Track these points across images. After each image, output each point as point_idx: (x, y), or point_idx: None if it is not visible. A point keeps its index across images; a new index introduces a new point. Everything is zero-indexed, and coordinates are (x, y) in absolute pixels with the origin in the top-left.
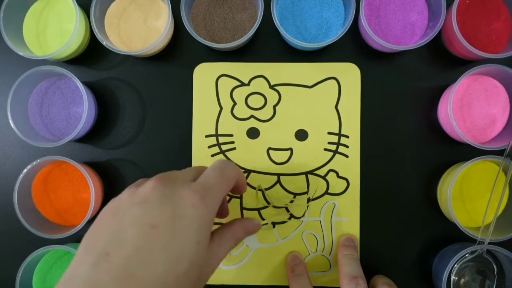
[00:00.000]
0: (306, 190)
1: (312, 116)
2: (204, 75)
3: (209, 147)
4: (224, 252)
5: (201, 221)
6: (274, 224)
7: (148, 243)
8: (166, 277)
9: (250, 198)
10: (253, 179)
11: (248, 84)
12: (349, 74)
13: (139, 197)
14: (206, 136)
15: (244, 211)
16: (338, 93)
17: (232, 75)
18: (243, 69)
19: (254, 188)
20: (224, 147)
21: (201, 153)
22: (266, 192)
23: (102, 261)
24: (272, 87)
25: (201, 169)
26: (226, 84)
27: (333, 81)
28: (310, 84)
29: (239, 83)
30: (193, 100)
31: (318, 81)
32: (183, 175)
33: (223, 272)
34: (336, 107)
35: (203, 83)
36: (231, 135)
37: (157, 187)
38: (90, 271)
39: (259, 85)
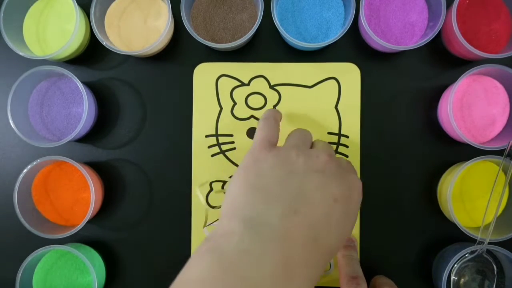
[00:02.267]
0: None
1: (312, 116)
2: (204, 75)
3: (209, 147)
4: None
5: (359, 208)
6: None
7: (331, 214)
8: (334, 249)
9: None
10: None
11: (248, 84)
12: (349, 74)
13: (316, 166)
14: (206, 136)
15: None
16: (338, 93)
17: (232, 75)
18: (243, 69)
19: None
20: (224, 147)
21: (201, 153)
22: None
23: (292, 216)
24: (272, 87)
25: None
26: (226, 84)
27: (333, 81)
28: (310, 84)
29: (239, 83)
30: (193, 100)
31: (318, 81)
32: (344, 161)
33: None
34: (336, 107)
35: (203, 83)
36: (231, 135)
37: (331, 162)
38: (280, 221)
39: (259, 85)
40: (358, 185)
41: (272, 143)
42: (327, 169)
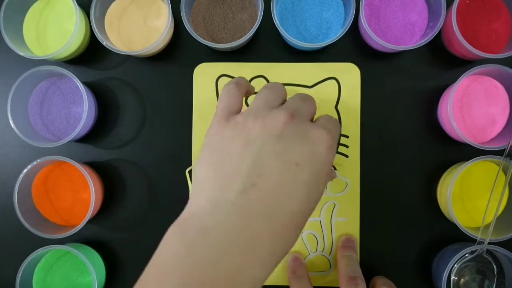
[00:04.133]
0: None
1: None
2: (204, 75)
3: None
4: None
5: (330, 163)
6: None
7: (293, 179)
8: (305, 211)
9: None
10: None
11: None
12: (349, 74)
13: (273, 130)
14: None
15: None
16: (338, 93)
17: (232, 75)
18: (243, 69)
19: None
20: None
21: None
22: None
23: (250, 190)
24: None
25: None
26: None
27: (333, 81)
28: (310, 84)
29: None
30: (193, 101)
31: (318, 81)
32: (304, 108)
33: None
34: (336, 107)
35: (203, 83)
36: None
37: (290, 122)
38: (238, 197)
39: (259, 85)
40: (324, 139)
41: (232, 113)
42: (286, 131)
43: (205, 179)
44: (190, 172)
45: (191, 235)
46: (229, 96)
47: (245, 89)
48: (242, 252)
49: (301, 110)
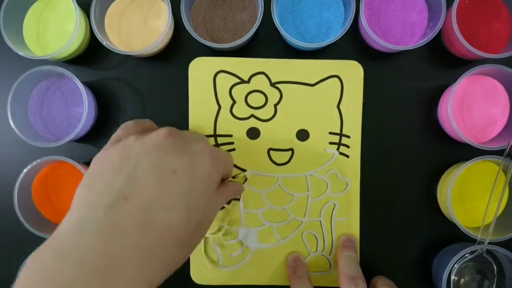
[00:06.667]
0: (306, 190)
1: (313, 116)
2: (201, 70)
3: None
4: (218, 209)
5: (213, 176)
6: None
7: (170, 188)
8: (188, 221)
9: (252, 199)
10: (253, 180)
11: (248, 82)
12: (352, 72)
13: (152, 144)
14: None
15: (245, 213)
16: (341, 92)
17: (231, 71)
18: (243, 65)
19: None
20: (223, 148)
21: None
22: (267, 193)
23: (121, 205)
24: (273, 85)
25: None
26: (224, 81)
27: (336, 79)
28: (312, 82)
29: (238, 80)
30: (189, 98)
31: (320, 79)
32: (191, 133)
33: (224, 273)
34: (338, 106)
35: (200, 79)
36: (230, 136)
37: (171, 136)
38: (107, 213)
39: (259, 82)
40: (205, 151)
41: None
42: (165, 144)
43: (76, 201)
44: None
45: (48, 260)
46: (123, 128)
47: (142, 126)
48: (104, 271)
49: (184, 133)
